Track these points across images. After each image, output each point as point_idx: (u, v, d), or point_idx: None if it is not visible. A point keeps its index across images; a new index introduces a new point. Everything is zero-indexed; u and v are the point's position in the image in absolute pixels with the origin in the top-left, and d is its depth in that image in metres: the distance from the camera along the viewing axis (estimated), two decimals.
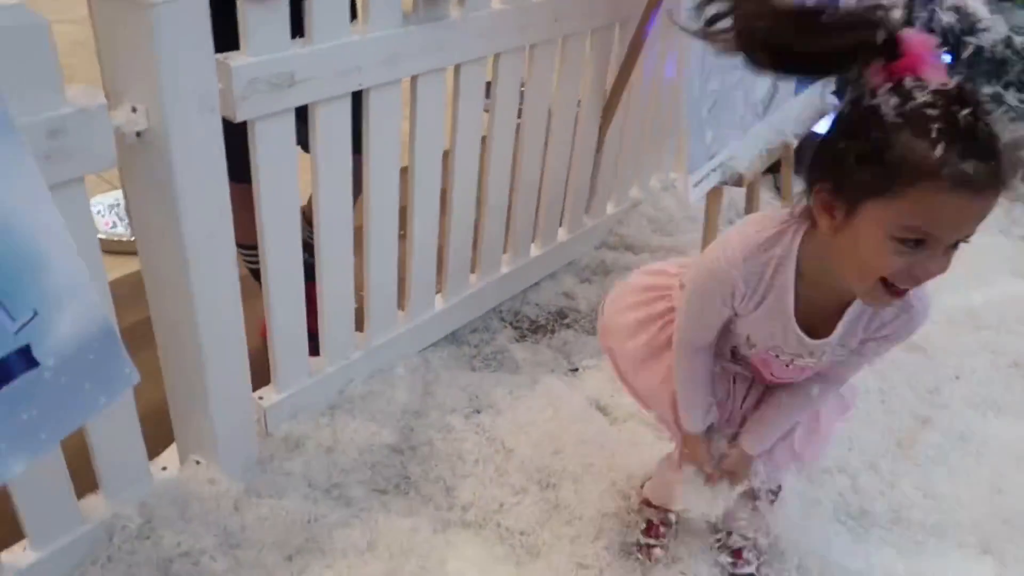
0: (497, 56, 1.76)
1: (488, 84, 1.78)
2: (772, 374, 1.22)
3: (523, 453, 1.75)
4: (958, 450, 1.89)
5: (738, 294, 1.07)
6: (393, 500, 1.63)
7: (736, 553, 1.53)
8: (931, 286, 0.97)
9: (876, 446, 1.87)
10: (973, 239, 0.89)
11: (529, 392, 1.93)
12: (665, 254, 2.53)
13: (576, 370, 2.05)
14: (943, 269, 0.90)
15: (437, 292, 2.00)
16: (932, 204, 0.83)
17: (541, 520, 1.61)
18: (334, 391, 1.81)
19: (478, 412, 1.86)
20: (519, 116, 1.92)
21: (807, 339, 1.09)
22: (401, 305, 1.92)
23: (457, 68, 1.67)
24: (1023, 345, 2.26)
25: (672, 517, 1.59)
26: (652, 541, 1.56)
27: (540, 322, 2.23)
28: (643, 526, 1.58)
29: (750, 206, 2.22)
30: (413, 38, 1.50)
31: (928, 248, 0.86)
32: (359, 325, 1.83)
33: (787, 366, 1.17)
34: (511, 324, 2.21)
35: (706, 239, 2.02)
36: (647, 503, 1.59)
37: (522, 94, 1.92)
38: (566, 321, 2.24)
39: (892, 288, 0.91)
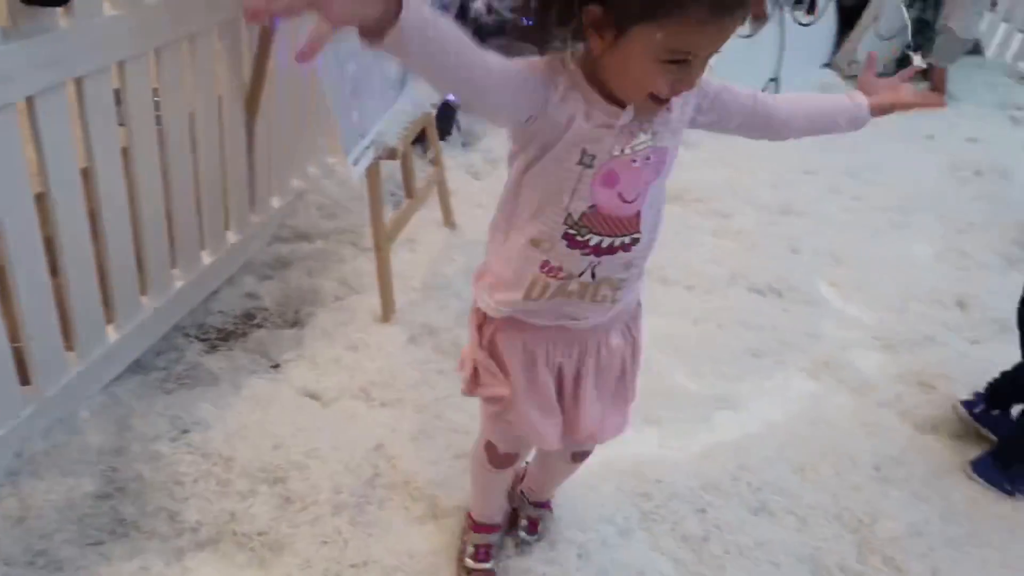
0: (121, 64, 1.66)
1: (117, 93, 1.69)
2: (624, 198, 1.09)
3: (243, 458, 1.74)
4: None
5: (550, 92, 1.02)
6: (112, 547, 1.53)
7: (532, 524, 1.66)
8: None
9: None
10: None
11: (234, 398, 1.91)
12: (339, 236, 2.62)
13: (277, 366, 2.06)
14: (700, 77, 1.02)
15: (108, 323, 1.87)
16: (696, 28, 0.92)
17: (276, 516, 1.63)
18: (9, 456, 1.62)
19: (185, 432, 1.80)
20: (159, 124, 1.84)
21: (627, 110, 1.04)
22: (68, 345, 1.76)
23: (79, 82, 1.56)
24: None
25: (494, 538, 1.61)
26: (484, 566, 1.57)
27: (229, 328, 2.18)
28: (471, 551, 1.58)
29: (406, 176, 2.38)
30: (17, 56, 1.37)
31: (690, 65, 0.97)
32: (24, 378, 1.65)
33: (633, 163, 1.06)
34: (198, 337, 2.13)
35: (374, 215, 2.14)
36: (474, 527, 1.59)
37: (157, 102, 1.84)
38: (255, 322, 2.22)
39: (657, 99, 1.00)
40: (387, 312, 2.24)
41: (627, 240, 1.12)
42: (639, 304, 1.31)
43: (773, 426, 2.09)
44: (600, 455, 1.89)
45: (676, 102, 1.06)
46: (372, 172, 2.07)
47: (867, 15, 4.76)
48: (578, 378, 1.27)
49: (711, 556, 1.68)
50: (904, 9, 4.87)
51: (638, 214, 1.11)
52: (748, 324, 2.46)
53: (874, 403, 2.22)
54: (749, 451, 1.97)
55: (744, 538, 1.72)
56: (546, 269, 1.13)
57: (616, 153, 1.04)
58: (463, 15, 3.56)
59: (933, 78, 4.79)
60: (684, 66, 0.96)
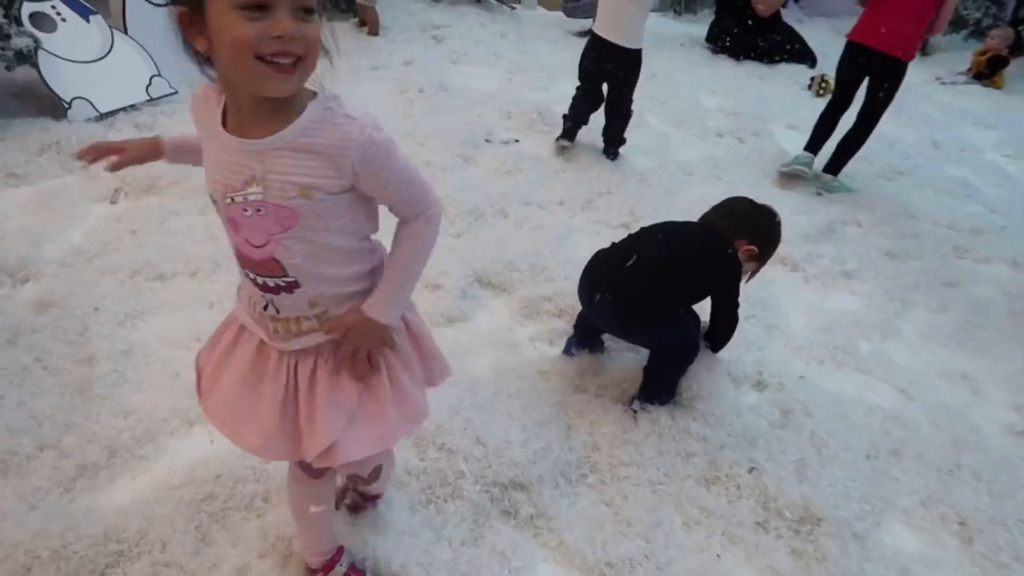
0: None
1: None
2: (252, 243, 1.12)
3: None
4: None
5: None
6: None
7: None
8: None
9: None
10: None
11: None
12: None
13: None
14: (303, 33, 1.00)
15: None
16: None
17: None
18: None
19: None
20: None
21: (242, 141, 1.07)
22: None
23: None
24: None
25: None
26: None
27: None
28: None
29: None
30: None
31: (273, 12, 0.97)
32: None
33: (245, 212, 1.09)
34: None
35: None
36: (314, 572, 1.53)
37: None
38: None
39: (272, 63, 0.99)
40: None
41: (281, 283, 1.14)
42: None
43: None
44: (153, 477, 1.76)
45: (294, 159, 1.06)
46: None
47: None
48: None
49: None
50: None
51: (275, 260, 1.12)
52: None
53: None
54: None
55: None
56: (242, 296, 1.24)
57: (227, 201, 1.09)
58: None
59: (365, 16, 5.18)
60: (267, 13, 0.97)
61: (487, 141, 3.76)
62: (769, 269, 2.95)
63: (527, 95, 4.43)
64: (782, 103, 4.81)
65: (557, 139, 3.71)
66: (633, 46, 3.46)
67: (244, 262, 1.16)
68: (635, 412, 2.09)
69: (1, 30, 3.10)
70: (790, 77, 5.40)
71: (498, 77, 4.76)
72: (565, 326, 2.47)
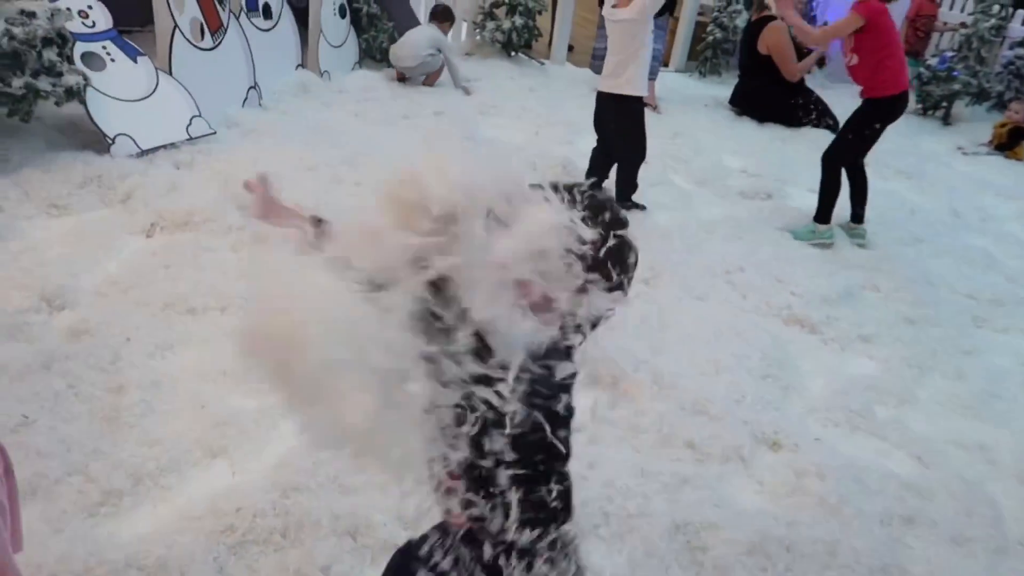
0: None
1: None
2: None
3: None
4: None
5: None
6: None
7: None
8: None
9: None
10: None
11: None
12: None
13: None
14: None
15: None
16: None
17: None
18: None
19: None
20: None
21: None
22: None
23: None
24: None
25: None
26: None
27: None
28: None
29: None
30: None
31: None
32: None
33: None
34: None
35: None
36: None
37: None
38: None
39: None
40: None
41: None
42: None
43: None
44: (174, 507, 1.80)
45: None
46: None
47: (312, 21, 5.07)
48: None
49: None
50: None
51: None
52: None
53: None
54: None
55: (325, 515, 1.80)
56: None
57: None
58: None
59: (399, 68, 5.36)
60: None
61: None
62: (786, 330, 2.99)
63: (553, 148, 4.54)
64: (804, 166, 4.88)
65: None
66: (630, 93, 3.60)
67: None
68: None
69: (54, 68, 3.25)
70: (813, 141, 5.47)
71: (525, 130, 4.87)
72: (582, 378, 2.49)
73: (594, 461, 2.11)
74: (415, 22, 5.65)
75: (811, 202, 4.30)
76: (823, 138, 5.54)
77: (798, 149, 5.30)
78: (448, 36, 5.66)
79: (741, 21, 6.53)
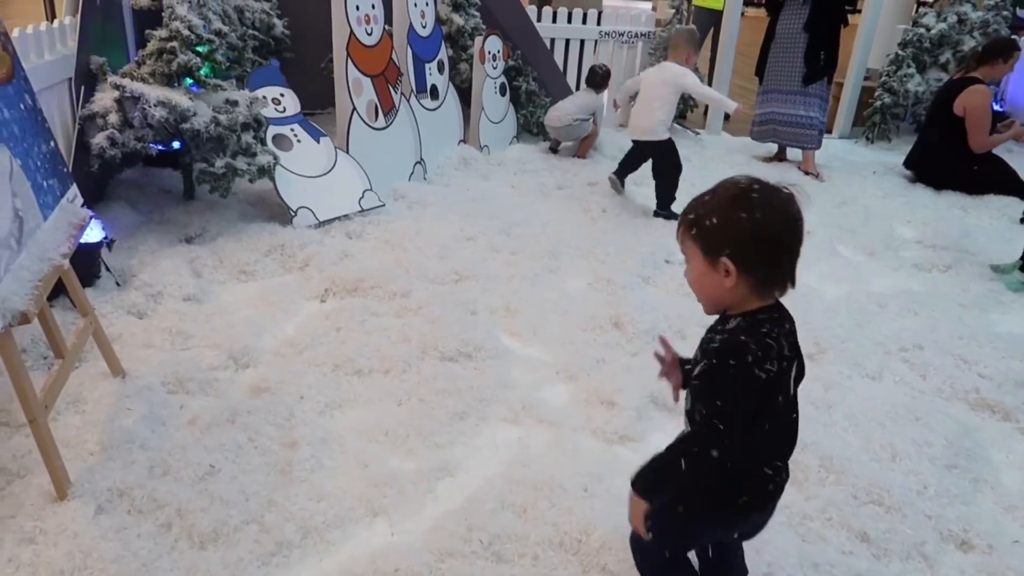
0: None
1: None
2: None
3: None
4: None
5: None
6: None
7: None
8: None
9: None
10: None
11: None
12: None
13: None
14: None
15: None
16: None
17: None
18: None
19: None
20: None
21: None
22: None
23: None
24: None
25: None
26: None
27: None
28: None
29: (49, 334, 2.16)
30: None
31: None
32: None
33: None
34: None
35: (17, 387, 1.90)
36: None
37: None
38: None
39: None
40: (60, 488, 1.98)
41: None
42: None
43: (491, 479, 2.21)
44: (338, 562, 1.87)
45: None
46: (4, 341, 1.84)
47: (475, 100, 5.36)
48: None
49: None
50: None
51: None
52: (447, 391, 2.59)
53: (570, 429, 2.47)
54: (474, 509, 2.06)
55: None
56: None
57: None
58: (85, 153, 3.34)
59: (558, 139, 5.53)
60: None
61: (667, 262, 3.81)
62: (974, 416, 2.71)
63: None
64: (989, 236, 4.50)
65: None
66: (660, 138, 4.39)
67: None
68: None
69: (250, 149, 3.62)
70: (999, 209, 5.04)
71: (679, 200, 4.84)
72: None
73: (757, 545, 1.99)
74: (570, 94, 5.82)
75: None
76: (1011, 206, 5.10)
77: (981, 218, 4.90)
78: (604, 102, 5.70)
79: (912, 85, 6.21)
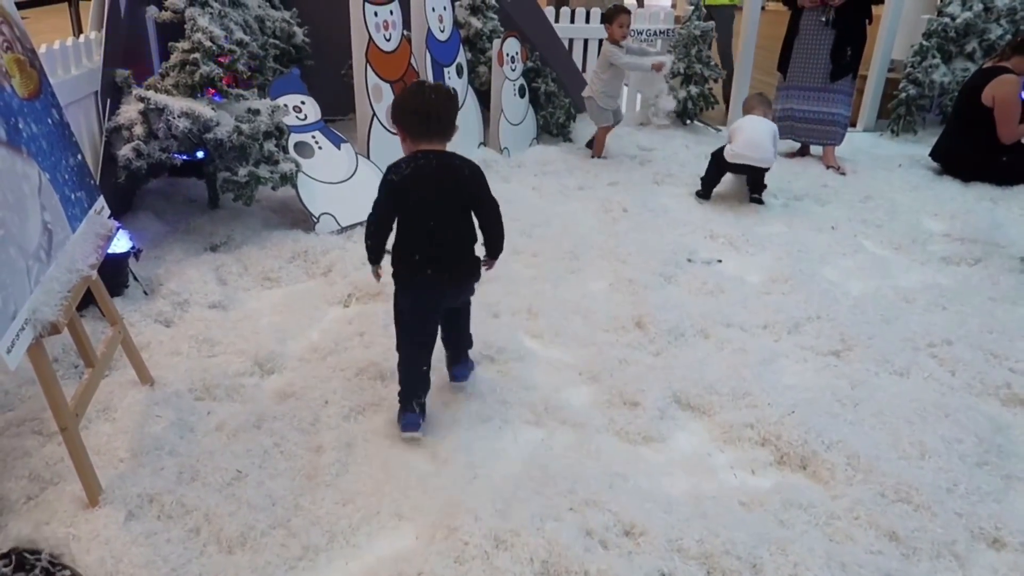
0: None
1: None
2: None
3: None
4: None
5: None
6: None
7: None
8: None
9: None
10: None
11: None
12: (17, 428, 2.32)
13: None
14: None
15: None
16: None
17: None
18: None
19: None
20: None
21: None
22: None
23: None
24: None
25: None
26: None
27: None
28: None
29: (80, 343, 2.20)
30: None
31: None
32: None
33: None
34: None
35: (48, 395, 1.94)
36: None
37: None
38: None
39: None
40: (92, 495, 2.02)
41: None
42: None
43: (514, 481, 2.21)
44: (364, 565, 1.89)
45: None
46: (36, 351, 1.88)
47: (494, 103, 5.36)
48: None
49: None
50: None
51: None
52: (470, 394, 2.60)
53: (593, 430, 2.46)
54: (498, 512, 2.06)
55: None
56: None
57: None
58: (112, 165, 3.40)
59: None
60: None
61: (689, 261, 3.79)
62: (1006, 412, 2.66)
63: (731, 217, 4.43)
64: (1020, 229, 4.41)
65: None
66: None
67: None
68: None
69: (272, 157, 3.66)
70: None
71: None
72: (769, 456, 2.37)
73: (784, 546, 1.97)
74: None
75: None
76: None
77: (1011, 210, 4.81)
78: (623, 45, 5.22)
79: (938, 76, 6.11)
